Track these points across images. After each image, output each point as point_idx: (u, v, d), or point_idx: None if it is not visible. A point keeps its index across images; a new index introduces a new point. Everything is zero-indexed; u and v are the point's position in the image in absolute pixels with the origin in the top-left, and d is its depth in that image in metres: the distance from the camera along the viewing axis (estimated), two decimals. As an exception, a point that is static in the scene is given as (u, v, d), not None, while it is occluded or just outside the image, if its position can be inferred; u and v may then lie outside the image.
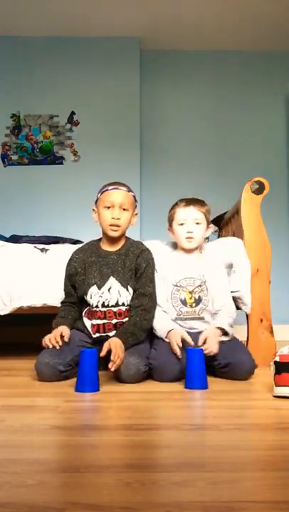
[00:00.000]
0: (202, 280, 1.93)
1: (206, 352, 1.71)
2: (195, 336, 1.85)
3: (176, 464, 0.90)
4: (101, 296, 1.88)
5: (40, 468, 0.88)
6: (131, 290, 1.89)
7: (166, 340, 1.81)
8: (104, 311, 1.87)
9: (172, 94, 3.77)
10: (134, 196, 1.96)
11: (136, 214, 1.99)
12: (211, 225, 2.07)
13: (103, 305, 1.87)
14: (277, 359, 1.46)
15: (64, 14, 3.38)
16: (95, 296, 1.88)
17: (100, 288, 1.89)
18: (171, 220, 2.03)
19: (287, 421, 1.23)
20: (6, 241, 2.50)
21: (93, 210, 1.99)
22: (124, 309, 1.87)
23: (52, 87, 3.60)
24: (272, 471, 0.87)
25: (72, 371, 1.73)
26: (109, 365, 1.61)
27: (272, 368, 1.48)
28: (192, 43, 3.70)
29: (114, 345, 1.65)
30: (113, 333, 1.83)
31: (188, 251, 2.00)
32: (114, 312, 1.87)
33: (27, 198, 3.50)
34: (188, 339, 1.76)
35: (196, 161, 3.69)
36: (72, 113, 3.61)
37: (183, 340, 1.75)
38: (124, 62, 3.64)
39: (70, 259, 1.98)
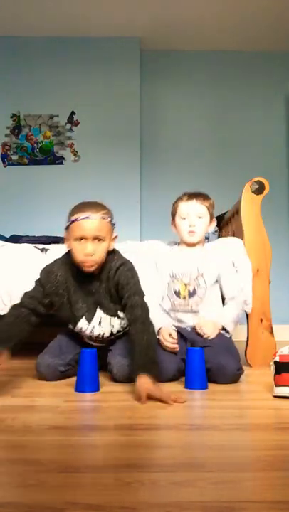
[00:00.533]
0: (199, 273, 1.92)
1: (199, 331, 1.78)
2: (186, 331, 1.85)
3: (176, 463, 0.90)
4: (92, 332, 1.78)
5: (40, 468, 0.88)
6: (122, 314, 1.75)
7: (158, 337, 1.82)
8: (99, 340, 1.82)
9: (172, 94, 3.77)
10: (110, 220, 1.70)
11: (115, 237, 1.75)
12: (215, 219, 2.04)
13: (97, 337, 1.80)
14: (277, 359, 1.46)
15: (64, 14, 3.38)
16: (85, 330, 1.78)
17: (89, 321, 1.77)
18: (173, 214, 2.01)
19: (287, 421, 1.23)
20: (6, 241, 2.50)
21: (64, 237, 1.73)
22: (121, 334, 1.81)
23: (52, 87, 3.60)
24: (272, 471, 0.87)
25: (72, 370, 1.73)
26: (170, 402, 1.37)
27: (272, 367, 1.48)
28: (192, 43, 3.70)
29: (152, 391, 1.39)
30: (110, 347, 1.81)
31: (191, 245, 1.99)
32: (110, 339, 1.82)
33: (27, 198, 3.50)
34: (174, 334, 1.78)
35: (196, 161, 3.69)
36: (72, 113, 3.61)
37: (171, 336, 1.77)
38: (124, 62, 3.64)
39: (51, 273, 1.74)
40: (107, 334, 1.79)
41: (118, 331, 1.80)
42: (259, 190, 2.21)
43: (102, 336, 1.79)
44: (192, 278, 1.92)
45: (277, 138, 3.76)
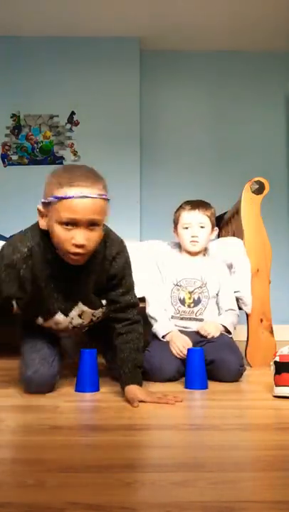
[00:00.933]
0: (203, 282, 1.93)
1: (203, 333, 1.81)
2: (191, 334, 1.85)
3: (176, 463, 0.90)
4: (71, 322, 1.54)
5: (40, 468, 0.88)
6: (105, 301, 1.53)
7: (163, 340, 1.82)
8: (76, 330, 1.62)
9: (172, 93, 3.76)
10: (105, 197, 1.31)
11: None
12: (216, 228, 2.06)
13: (74, 327, 1.58)
14: (277, 359, 1.46)
15: (64, 14, 3.38)
16: (62, 323, 1.53)
17: (66, 314, 1.50)
18: (176, 223, 2.02)
19: (287, 421, 1.23)
20: (6, 241, 2.50)
21: (39, 211, 1.35)
22: (100, 319, 1.60)
23: (52, 87, 3.60)
24: (273, 471, 0.87)
25: (59, 374, 1.59)
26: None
27: (272, 367, 1.48)
28: (192, 43, 3.70)
29: (142, 396, 1.35)
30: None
31: (193, 254, 2.00)
32: (88, 327, 1.65)
33: (27, 198, 3.50)
34: (188, 344, 1.77)
35: (196, 160, 3.69)
36: (72, 113, 3.61)
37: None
38: (124, 62, 3.64)
39: (12, 267, 1.36)
40: (86, 323, 1.57)
41: (98, 319, 1.58)
42: (259, 190, 2.21)
43: (81, 324, 1.56)
44: (196, 286, 1.93)
45: (277, 138, 3.76)
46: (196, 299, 1.92)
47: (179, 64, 3.78)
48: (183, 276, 1.95)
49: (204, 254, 2.05)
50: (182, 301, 1.92)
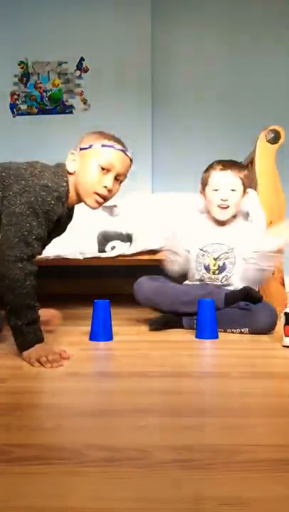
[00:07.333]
0: (230, 247, 1.85)
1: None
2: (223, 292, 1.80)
3: (187, 409, 0.93)
4: None
5: (58, 412, 0.92)
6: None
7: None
8: None
9: (185, 36, 3.58)
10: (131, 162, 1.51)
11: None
12: (248, 190, 1.91)
13: None
14: (287, 310, 1.48)
15: None
16: None
17: None
18: (204, 184, 1.88)
19: (296, 369, 1.26)
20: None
21: (72, 154, 1.47)
22: None
23: (60, 32, 3.45)
24: (280, 417, 0.90)
25: None
26: None
27: (283, 318, 1.50)
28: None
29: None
30: None
31: (221, 223, 1.88)
32: None
33: (36, 148, 3.45)
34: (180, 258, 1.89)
35: (211, 107, 3.56)
36: (82, 59, 3.48)
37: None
38: (134, 4, 3.46)
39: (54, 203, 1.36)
40: None
41: None
42: (274, 139, 2.15)
43: None
44: (222, 252, 1.85)
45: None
46: (220, 265, 1.84)
47: (192, 4, 3.57)
48: (209, 242, 1.86)
49: (234, 220, 1.91)
50: (207, 268, 1.86)
